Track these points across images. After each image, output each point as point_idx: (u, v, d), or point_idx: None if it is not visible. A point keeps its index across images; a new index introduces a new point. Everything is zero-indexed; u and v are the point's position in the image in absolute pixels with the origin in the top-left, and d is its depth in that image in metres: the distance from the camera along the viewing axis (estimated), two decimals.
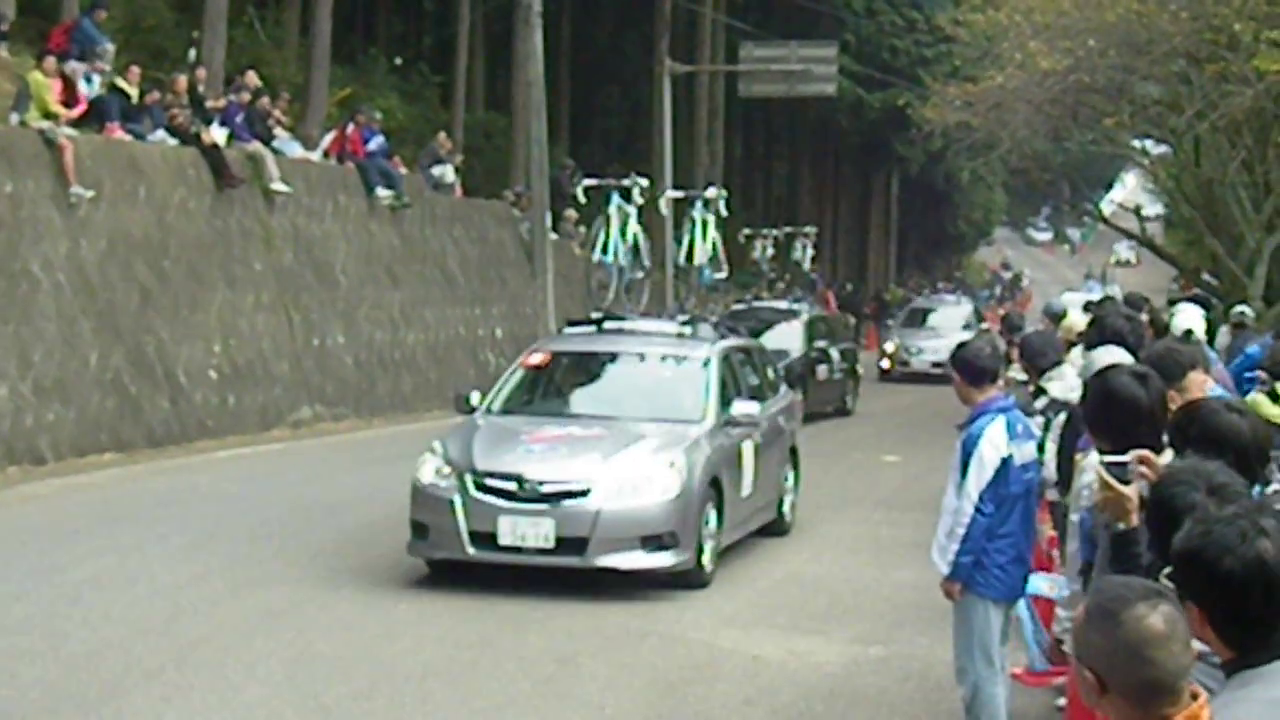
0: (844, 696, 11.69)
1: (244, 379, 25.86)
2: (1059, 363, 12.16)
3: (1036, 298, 79.12)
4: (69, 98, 23.65)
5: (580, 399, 17.33)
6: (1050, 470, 10.77)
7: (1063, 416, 11.00)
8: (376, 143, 31.74)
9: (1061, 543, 10.68)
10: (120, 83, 25.40)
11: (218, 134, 26.62)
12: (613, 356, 17.65)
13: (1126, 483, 5.64)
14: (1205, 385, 8.26)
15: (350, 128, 31.49)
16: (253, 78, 29.72)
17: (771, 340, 28.85)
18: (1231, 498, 4.72)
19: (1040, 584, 10.89)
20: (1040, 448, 10.37)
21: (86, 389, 22.20)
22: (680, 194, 37.03)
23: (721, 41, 53.55)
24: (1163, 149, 40.10)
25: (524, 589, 14.52)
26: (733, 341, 18.65)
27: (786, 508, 18.51)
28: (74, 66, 24.25)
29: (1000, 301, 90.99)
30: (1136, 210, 41.61)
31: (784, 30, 51.88)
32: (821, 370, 33.59)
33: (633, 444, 15.30)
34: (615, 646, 12.90)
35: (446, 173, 34.97)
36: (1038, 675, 11.61)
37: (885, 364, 44.47)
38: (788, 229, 50.93)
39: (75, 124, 23.40)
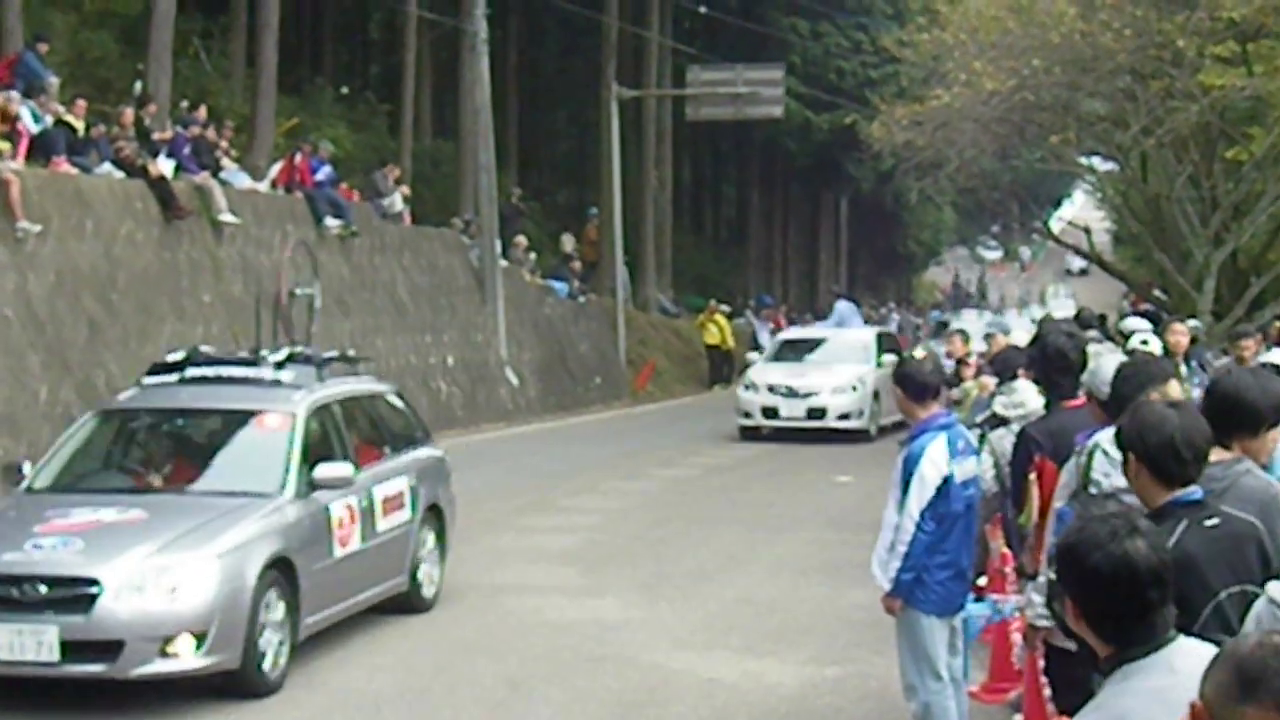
0: (799, 717, 11.67)
1: None
2: (1014, 377, 12.23)
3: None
4: (12, 132, 23.55)
5: None
6: (989, 480, 10.87)
7: (1001, 430, 11.10)
8: (324, 172, 31.69)
9: (1015, 557, 10.71)
10: (66, 116, 25.27)
11: (165, 166, 26.50)
12: None
13: None
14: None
15: (298, 157, 31.42)
16: (203, 113, 29.74)
17: None
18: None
19: (982, 611, 10.93)
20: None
21: (36, 423, 22.05)
22: None
23: (668, 65, 53.66)
24: (1110, 165, 40.27)
25: (477, 614, 14.44)
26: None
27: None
28: (15, 99, 24.14)
29: None
30: (1086, 229, 41.70)
31: (730, 53, 51.98)
32: None
33: None
34: (568, 671, 12.86)
35: (395, 201, 34.92)
36: (993, 691, 11.64)
37: None
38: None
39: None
